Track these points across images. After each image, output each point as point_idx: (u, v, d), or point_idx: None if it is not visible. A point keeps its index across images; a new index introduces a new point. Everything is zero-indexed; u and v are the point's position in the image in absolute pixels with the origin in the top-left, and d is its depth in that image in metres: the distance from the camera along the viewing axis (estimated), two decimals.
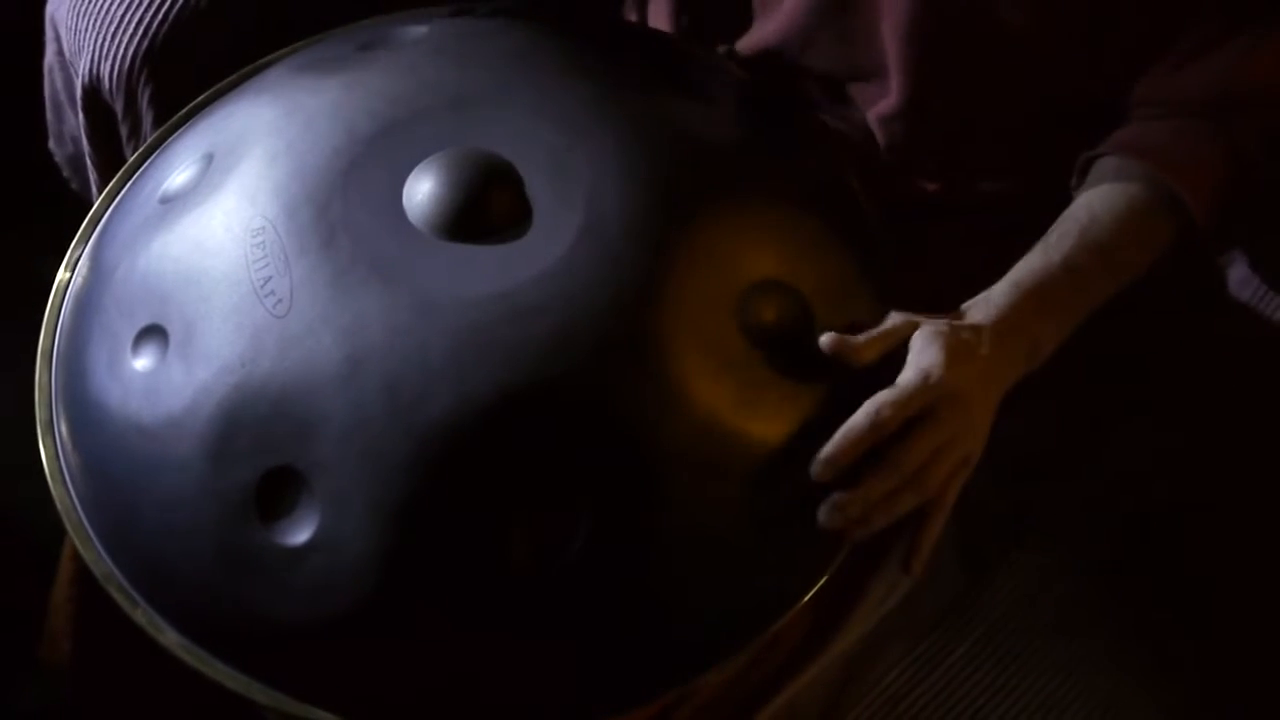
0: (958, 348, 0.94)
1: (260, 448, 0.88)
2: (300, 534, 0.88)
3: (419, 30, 1.09)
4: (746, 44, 1.18)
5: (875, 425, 0.90)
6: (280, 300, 0.90)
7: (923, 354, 0.94)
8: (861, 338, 0.94)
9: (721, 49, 1.20)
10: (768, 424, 0.92)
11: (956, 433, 0.93)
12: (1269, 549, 1.20)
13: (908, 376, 0.93)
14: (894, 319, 0.96)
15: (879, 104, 1.13)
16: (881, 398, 0.91)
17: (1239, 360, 1.26)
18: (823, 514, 0.90)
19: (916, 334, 0.95)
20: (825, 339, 0.93)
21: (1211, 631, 1.18)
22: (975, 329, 0.97)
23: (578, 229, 0.92)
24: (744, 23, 1.18)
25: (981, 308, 0.99)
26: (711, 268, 0.93)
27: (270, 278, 0.91)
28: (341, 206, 0.93)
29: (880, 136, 1.15)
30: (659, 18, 1.25)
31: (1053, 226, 1.04)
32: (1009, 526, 1.18)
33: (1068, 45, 1.07)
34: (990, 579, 1.17)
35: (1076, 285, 1.02)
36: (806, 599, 0.93)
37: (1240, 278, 1.27)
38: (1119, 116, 1.09)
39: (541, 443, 0.87)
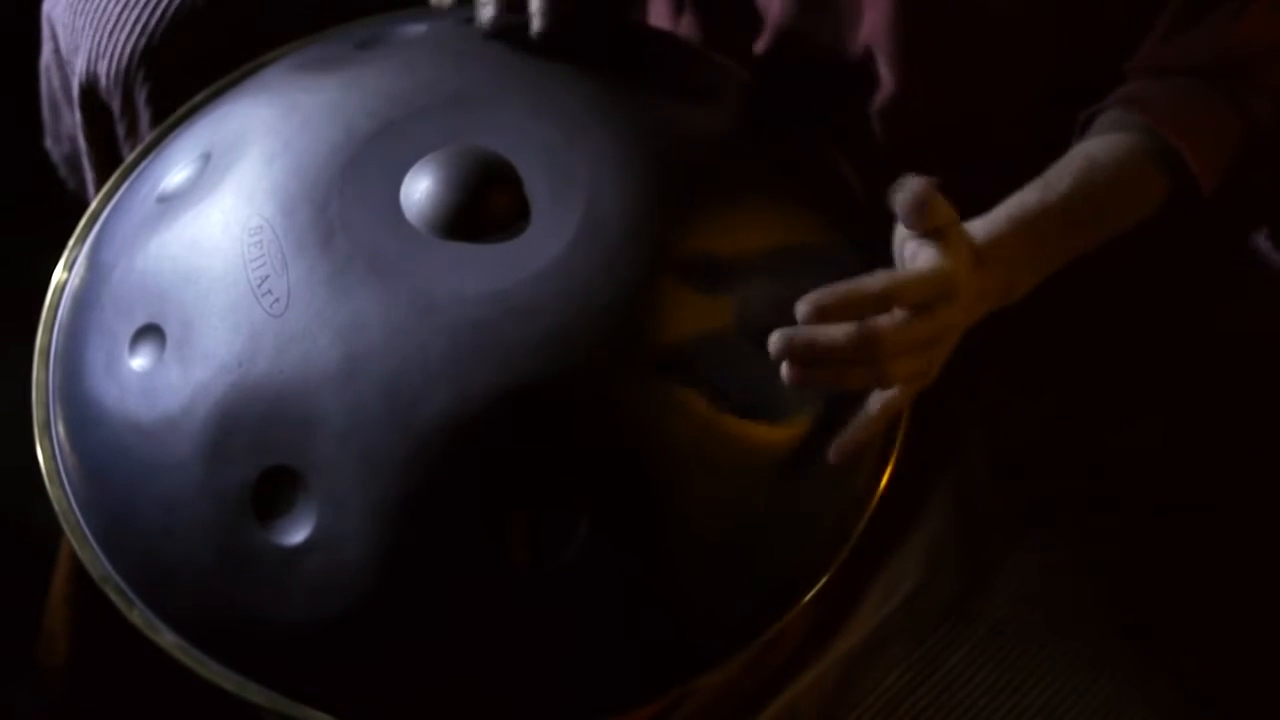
0: (973, 257, 0.92)
1: (257, 447, 0.88)
2: (298, 534, 0.87)
3: (417, 29, 1.09)
4: (744, 42, 1.18)
5: (886, 292, 0.87)
6: (278, 299, 0.90)
7: (952, 248, 0.90)
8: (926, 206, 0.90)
9: (721, 50, 1.20)
10: (768, 424, 0.91)
11: (937, 336, 0.91)
12: (1271, 550, 1.20)
13: (935, 264, 0.89)
14: (944, 207, 0.91)
15: (874, 96, 1.13)
16: (902, 274, 0.88)
17: (1241, 360, 1.26)
18: (773, 341, 0.86)
19: (954, 230, 0.92)
20: (910, 185, 0.89)
21: (1213, 633, 1.18)
22: (976, 253, 0.95)
23: (576, 228, 0.92)
24: (741, 21, 1.18)
25: (976, 231, 0.97)
26: (710, 265, 0.93)
27: (267, 277, 0.91)
28: (339, 205, 0.93)
29: (878, 129, 1.14)
30: (659, 17, 1.25)
31: (1051, 168, 1.02)
32: (1009, 527, 1.17)
33: (1052, 23, 1.06)
34: (991, 580, 1.17)
35: (1067, 229, 1.00)
36: (807, 599, 0.93)
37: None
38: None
39: (540, 442, 0.87)
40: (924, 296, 0.89)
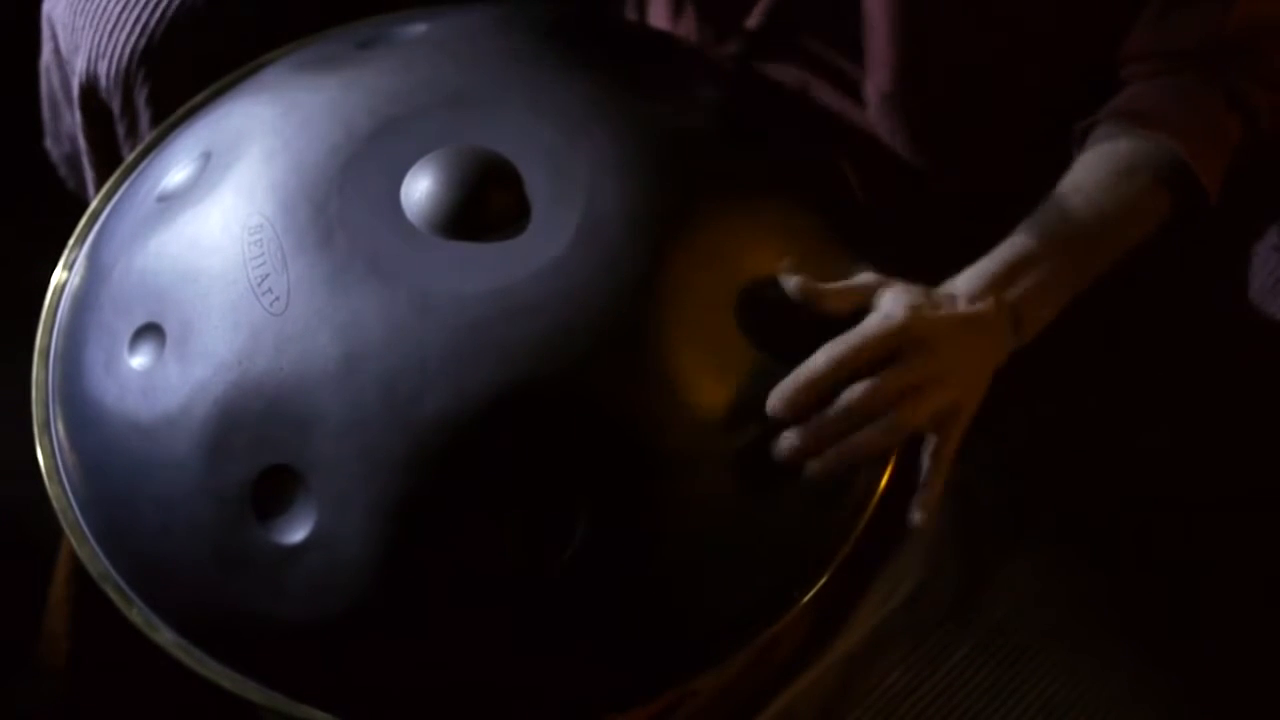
0: (923, 299, 0.94)
1: (257, 446, 0.88)
2: (297, 533, 0.87)
3: (418, 28, 1.09)
4: (734, 25, 1.18)
5: (832, 362, 0.89)
6: (277, 298, 0.90)
7: (886, 302, 0.93)
8: (830, 286, 0.93)
9: (718, 43, 1.20)
10: (768, 423, 0.91)
11: (929, 376, 0.92)
12: (1272, 549, 1.20)
13: (869, 318, 0.92)
14: (865, 276, 0.95)
15: (875, 78, 1.12)
16: (842, 337, 0.91)
17: (1241, 359, 1.25)
18: (779, 449, 0.90)
19: (886, 290, 0.94)
20: (793, 281, 0.92)
21: (1215, 633, 1.18)
22: (949, 294, 0.96)
23: (576, 227, 0.92)
24: (737, 11, 1.18)
25: (960, 278, 0.98)
26: (710, 265, 0.93)
27: (267, 275, 0.91)
28: (339, 204, 0.93)
29: (881, 118, 1.14)
30: (659, 17, 1.24)
31: (1041, 201, 1.03)
32: (1009, 526, 1.17)
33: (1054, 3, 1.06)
34: (991, 580, 1.17)
35: (1058, 256, 1.00)
36: (807, 599, 0.93)
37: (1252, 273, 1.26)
38: (1113, 91, 1.08)
39: (539, 441, 0.87)
40: (875, 351, 0.91)
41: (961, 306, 0.96)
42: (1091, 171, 1.03)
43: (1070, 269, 1.01)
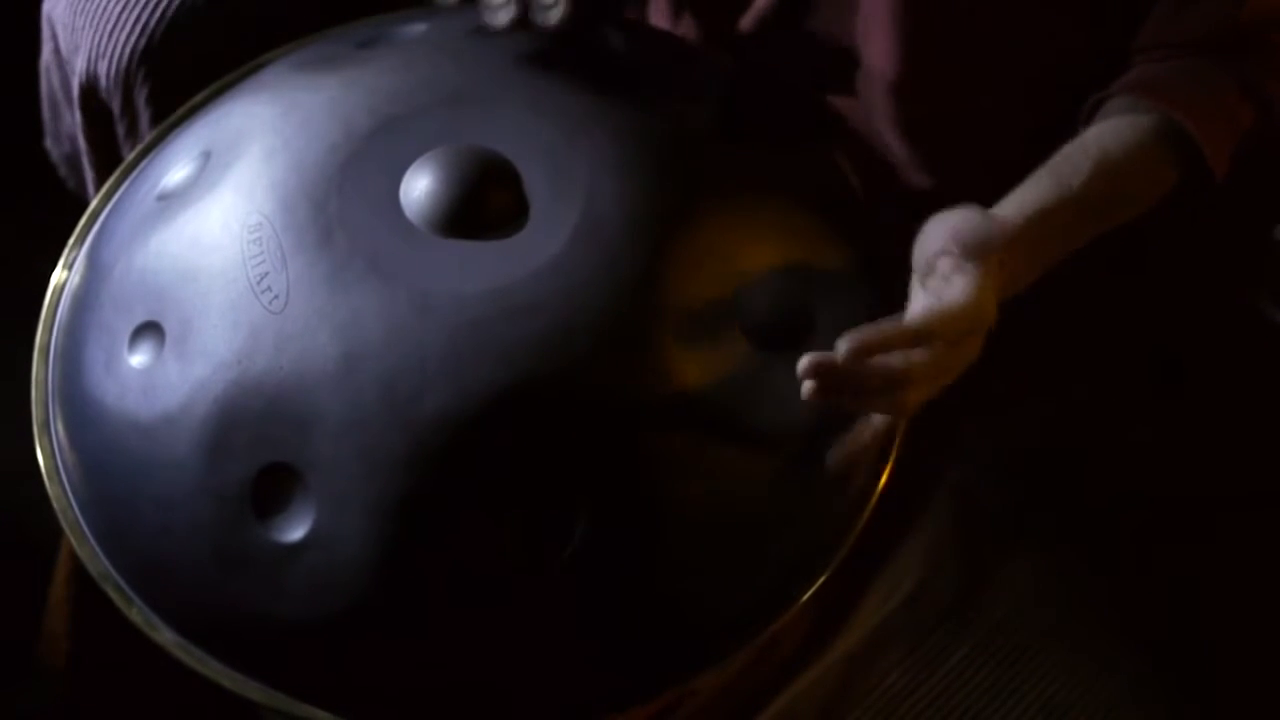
0: (995, 285, 0.92)
1: (256, 445, 0.88)
2: (296, 531, 0.87)
3: (417, 28, 1.09)
4: (744, 24, 1.17)
5: (923, 331, 0.87)
6: (277, 297, 0.90)
7: (988, 275, 0.90)
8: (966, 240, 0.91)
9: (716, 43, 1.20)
10: (767, 423, 0.91)
11: (950, 368, 0.90)
12: (1272, 548, 1.20)
13: (969, 296, 0.89)
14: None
15: (875, 75, 1.11)
16: (940, 311, 0.88)
17: (1242, 360, 1.25)
18: (803, 364, 0.86)
19: (990, 257, 0.91)
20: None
21: (1215, 633, 1.18)
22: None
23: (575, 225, 0.92)
24: (734, 12, 1.17)
25: (999, 227, 0.95)
26: (709, 264, 0.93)
27: (267, 274, 0.91)
28: (338, 203, 0.93)
29: (880, 116, 1.14)
30: (659, 16, 1.24)
31: (1059, 157, 1.01)
32: (1009, 526, 1.17)
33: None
34: (991, 580, 1.17)
35: (1079, 224, 0.99)
36: (806, 599, 0.93)
37: None
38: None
39: (538, 439, 0.87)
40: (957, 333, 0.89)
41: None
42: (1115, 137, 1.02)
43: (1073, 235, 1.00)
